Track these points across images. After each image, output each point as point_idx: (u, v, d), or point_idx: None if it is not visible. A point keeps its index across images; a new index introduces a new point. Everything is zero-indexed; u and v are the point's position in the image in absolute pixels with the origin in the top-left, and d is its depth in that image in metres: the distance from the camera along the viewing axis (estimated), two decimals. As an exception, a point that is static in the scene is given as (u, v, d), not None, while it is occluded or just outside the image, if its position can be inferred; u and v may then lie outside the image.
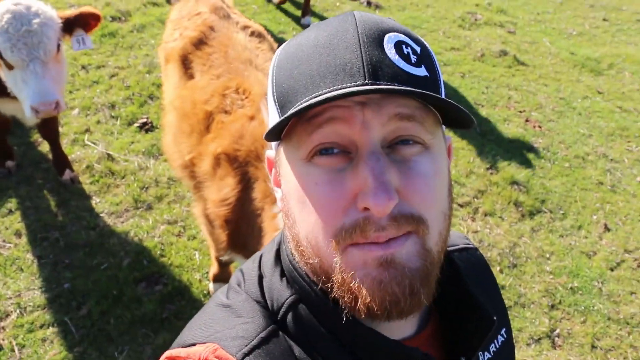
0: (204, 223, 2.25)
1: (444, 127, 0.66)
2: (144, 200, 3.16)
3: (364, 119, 0.57)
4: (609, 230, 3.55)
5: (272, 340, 0.63)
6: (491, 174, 3.81)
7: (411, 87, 0.57)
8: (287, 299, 0.66)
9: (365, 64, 0.56)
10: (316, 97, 0.56)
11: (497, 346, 0.76)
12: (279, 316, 0.65)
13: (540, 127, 4.45)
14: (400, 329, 0.67)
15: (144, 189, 3.23)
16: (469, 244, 0.87)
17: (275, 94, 0.63)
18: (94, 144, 3.44)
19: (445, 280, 0.69)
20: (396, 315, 0.58)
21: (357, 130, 0.57)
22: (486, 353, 0.74)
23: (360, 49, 0.57)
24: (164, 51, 2.63)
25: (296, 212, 0.62)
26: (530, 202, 3.62)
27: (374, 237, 0.56)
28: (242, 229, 1.98)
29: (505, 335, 0.79)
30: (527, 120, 4.53)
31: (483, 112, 4.57)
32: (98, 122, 3.64)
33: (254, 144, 1.96)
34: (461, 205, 3.53)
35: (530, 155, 4.08)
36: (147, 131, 3.63)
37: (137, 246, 2.88)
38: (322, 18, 5.33)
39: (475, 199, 3.59)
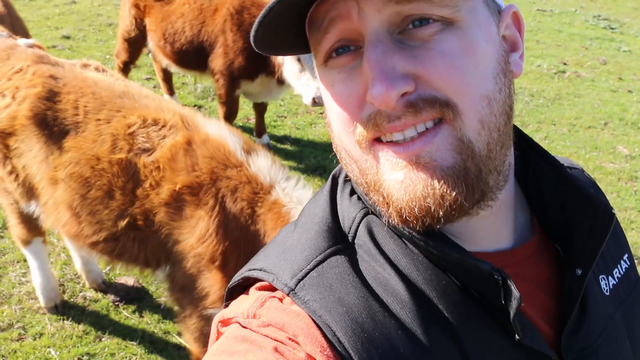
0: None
1: None
2: (-42, 315, 2.52)
3: (359, 9, 0.52)
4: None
5: (327, 261, 0.58)
6: (320, 174, 4.04)
7: None
8: (356, 214, 0.62)
9: None
10: None
11: (621, 272, 0.70)
12: (351, 234, 0.61)
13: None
14: (488, 240, 0.61)
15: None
16: (574, 164, 0.78)
17: None
18: None
19: (546, 185, 0.65)
20: (433, 222, 0.52)
21: (356, 23, 0.53)
22: (610, 278, 0.68)
23: None
24: None
25: (328, 120, 0.60)
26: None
27: (389, 129, 0.52)
28: (234, 253, 1.78)
29: (628, 262, 0.72)
30: (329, 120, 4.93)
31: (288, 122, 4.81)
32: None
33: (210, 163, 1.82)
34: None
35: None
36: None
37: (-29, 371, 2.29)
38: None
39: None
